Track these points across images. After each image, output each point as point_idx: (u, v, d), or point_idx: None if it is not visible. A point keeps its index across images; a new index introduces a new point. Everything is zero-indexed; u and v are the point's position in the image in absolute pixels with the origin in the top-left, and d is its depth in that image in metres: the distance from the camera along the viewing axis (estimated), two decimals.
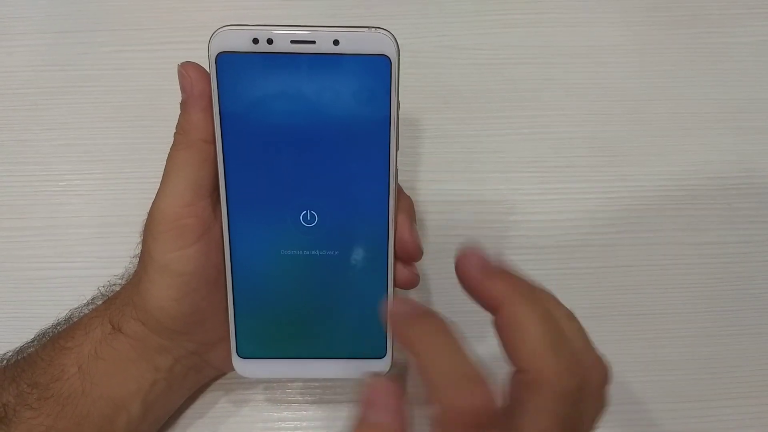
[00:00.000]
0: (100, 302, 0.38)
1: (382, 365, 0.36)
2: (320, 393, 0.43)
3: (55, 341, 0.36)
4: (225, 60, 0.31)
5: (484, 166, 0.48)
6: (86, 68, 0.50)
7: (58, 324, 0.38)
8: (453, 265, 0.45)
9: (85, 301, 0.39)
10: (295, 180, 0.33)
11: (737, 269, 0.46)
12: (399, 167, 0.34)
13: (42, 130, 0.49)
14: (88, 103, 0.49)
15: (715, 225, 0.47)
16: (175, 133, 0.33)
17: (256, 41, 0.31)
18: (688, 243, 0.46)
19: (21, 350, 0.37)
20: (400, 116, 0.33)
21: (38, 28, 0.51)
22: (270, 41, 0.31)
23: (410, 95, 0.49)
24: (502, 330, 0.29)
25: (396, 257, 0.35)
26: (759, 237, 0.47)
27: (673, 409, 0.43)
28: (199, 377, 0.39)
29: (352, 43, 0.31)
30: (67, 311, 0.39)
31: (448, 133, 0.49)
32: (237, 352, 0.36)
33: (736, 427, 0.43)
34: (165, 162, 0.34)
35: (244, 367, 0.36)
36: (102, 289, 0.39)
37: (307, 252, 0.34)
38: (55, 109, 0.49)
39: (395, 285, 0.35)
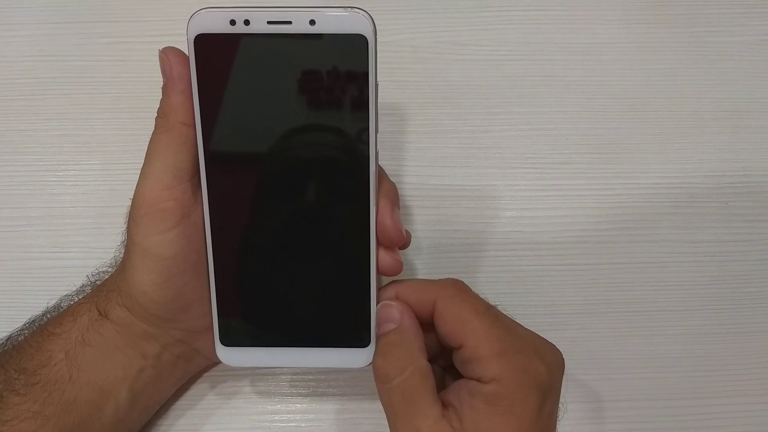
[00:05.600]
0: (89, 290, 0.38)
1: (365, 354, 0.35)
2: (314, 386, 0.43)
3: (43, 328, 0.36)
4: (203, 41, 0.31)
5: (482, 162, 0.48)
6: (84, 59, 0.50)
7: (48, 311, 0.38)
8: (449, 261, 0.46)
9: (75, 289, 0.39)
10: (274, 162, 0.33)
11: (733, 267, 0.46)
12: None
13: (40, 120, 0.49)
14: (86, 94, 0.49)
15: (712, 223, 0.47)
16: (156, 117, 0.33)
17: (233, 23, 0.31)
18: (684, 241, 0.46)
19: (10, 338, 0.37)
20: (379, 98, 0.33)
21: (37, 19, 0.51)
22: (247, 22, 0.31)
23: (409, 90, 0.50)
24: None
25: (379, 243, 0.34)
26: (755, 236, 0.47)
27: (667, 406, 0.43)
28: (189, 366, 0.39)
29: (329, 23, 0.31)
30: (56, 299, 0.39)
31: (446, 129, 0.49)
32: (220, 340, 0.36)
33: (731, 425, 0.43)
34: None
35: (228, 356, 0.36)
36: (91, 277, 0.39)
37: (289, 238, 0.34)
38: (53, 100, 0.49)
39: (378, 272, 0.35)
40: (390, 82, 0.49)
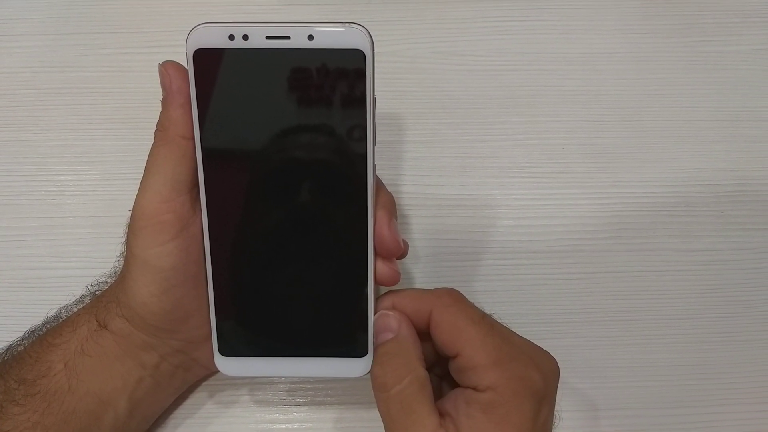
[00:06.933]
0: (89, 300, 0.38)
1: (363, 363, 0.36)
2: (311, 395, 0.43)
3: (43, 338, 0.36)
4: (202, 56, 0.32)
5: (479, 171, 0.48)
6: (85, 70, 0.50)
7: (47, 322, 0.39)
8: (446, 269, 0.46)
9: (74, 299, 0.40)
10: (272, 174, 0.33)
11: (729, 276, 0.46)
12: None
13: (40, 130, 0.49)
14: (87, 105, 0.49)
15: (708, 232, 0.47)
16: (155, 130, 0.34)
17: (232, 38, 0.31)
18: (680, 249, 0.47)
19: (10, 348, 0.38)
20: (377, 111, 0.33)
21: (38, 30, 0.51)
22: (245, 37, 0.31)
23: (407, 100, 0.50)
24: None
25: (376, 254, 0.35)
26: (751, 244, 0.47)
27: (663, 414, 0.43)
28: (187, 376, 0.39)
29: (327, 38, 0.31)
30: (56, 309, 0.39)
31: (443, 138, 0.49)
32: (219, 350, 0.36)
33: None
34: None
35: (226, 365, 0.36)
36: (91, 288, 0.40)
37: (287, 249, 0.35)
38: (53, 110, 0.49)
39: (376, 282, 0.35)
40: (387, 92, 0.49)
